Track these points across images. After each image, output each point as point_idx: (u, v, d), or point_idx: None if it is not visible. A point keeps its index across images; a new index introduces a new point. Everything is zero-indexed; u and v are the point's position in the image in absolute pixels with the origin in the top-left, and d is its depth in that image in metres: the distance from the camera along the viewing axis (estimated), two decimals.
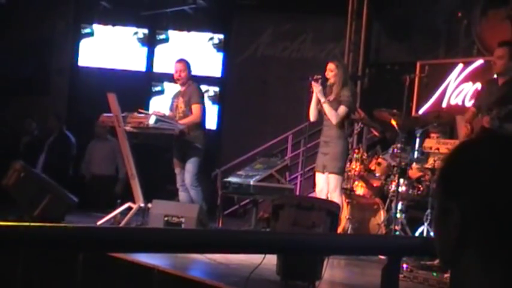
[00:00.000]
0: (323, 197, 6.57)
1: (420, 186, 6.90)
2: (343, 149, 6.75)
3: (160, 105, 10.24)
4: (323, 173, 6.69)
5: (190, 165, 7.41)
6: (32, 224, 1.67)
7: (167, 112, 7.73)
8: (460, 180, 1.09)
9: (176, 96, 7.64)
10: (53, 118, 9.91)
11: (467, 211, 1.07)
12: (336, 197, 6.55)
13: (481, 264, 1.07)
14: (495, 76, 6.11)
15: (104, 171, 9.77)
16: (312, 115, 6.79)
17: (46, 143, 9.83)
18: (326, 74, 6.70)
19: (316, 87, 6.66)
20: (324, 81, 6.72)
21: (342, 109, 6.65)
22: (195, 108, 7.43)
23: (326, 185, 6.69)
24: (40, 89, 11.16)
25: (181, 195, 7.53)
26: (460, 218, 1.08)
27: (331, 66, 6.71)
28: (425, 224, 6.36)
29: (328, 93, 6.74)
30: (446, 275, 5.04)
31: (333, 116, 6.63)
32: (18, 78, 10.84)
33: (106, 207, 7.68)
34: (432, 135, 6.98)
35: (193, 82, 7.63)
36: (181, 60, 7.61)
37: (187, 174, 7.41)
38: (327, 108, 6.62)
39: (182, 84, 7.54)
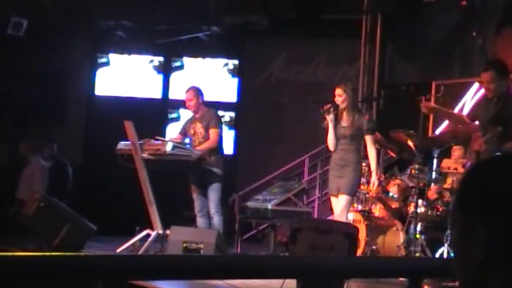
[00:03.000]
0: (342, 219, 6.52)
1: (439, 206, 6.86)
2: (359, 173, 6.73)
3: (176, 132, 10.30)
4: (337, 196, 6.63)
5: (213, 193, 7.41)
6: (52, 253, 1.68)
7: (176, 135, 7.79)
8: (483, 199, 1.07)
9: (191, 121, 7.68)
10: (25, 146, 9.40)
11: (493, 231, 1.05)
12: (344, 217, 6.50)
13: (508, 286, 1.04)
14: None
15: (22, 195, 8.92)
16: (331, 145, 6.73)
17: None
18: (335, 99, 6.66)
19: (330, 118, 6.65)
20: (336, 108, 6.69)
21: (370, 139, 6.65)
22: (213, 133, 7.47)
23: None
24: (57, 118, 11.25)
25: (199, 221, 7.53)
26: (487, 237, 1.05)
27: (338, 91, 6.67)
28: (446, 244, 6.30)
29: (340, 117, 6.71)
30: None
31: (373, 157, 6.67)
32: (35, 108, 10.95)
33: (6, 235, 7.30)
34: (454, 149, 6.95)
35: (209, 108, 7.71)
36: (189, 89, 7.69)
37: (210, 202, 7.42)
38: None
39: (195, 111, 7.61)
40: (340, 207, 6.53)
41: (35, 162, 9.33)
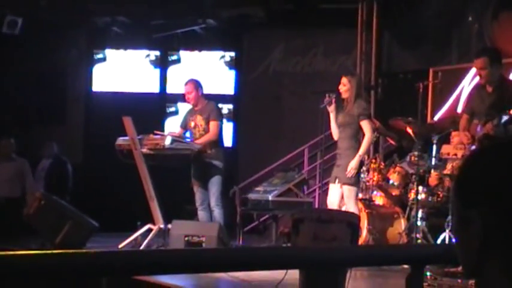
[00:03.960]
0: (334, 207, 6.55)
1: (440, 193, 6.87)
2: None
3: (175, 125, 10.29)
4: (335, 183, 6.68)
5: (213, 186, 7.42)
6: (55, 251, 1.68)
7: (177, 129, 7.79)
8: (477, 188, 1.09)
9: (191, 114, 7.67)
10: (6, 144, 9.28)
11: (487, 219, 1.06)
12: (352, 207, 6.53)
13: (505, 273, 1.05)
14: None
15: (9, 193, 8.89)
16: (335, 134, 6.79)
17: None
18: (339, 88, 6.69)
19: (331, 110, 6.69)
20: (338, 96, 6.72)
21: (365, 123, 6.64)
22: (213, 125, 7.47)
23: (338, 196, 6.66)
24: (56, 116, 11.25)
25: (201, 214, 7.54)
26: (481, 226, 1.07)
27: (344, 80, 6.71)
28: (447, 230, 6.31)
29: (344, 106, 6.76)
30: (471, 282, 5.00)
31: (365, 143, 6.66)
32: (33, 107, 10.94)
33: (8, 234, 7.38)
34: (453, 135, 6.96)
35: (209, 100, 7.70)
36: (188, 82, 7.68)
37: (211, 195, 7.43)
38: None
39: (195, 104, 7.60)
40: (346, 199, 6.60)
41: (18, 160, 9.27)
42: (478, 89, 6.25)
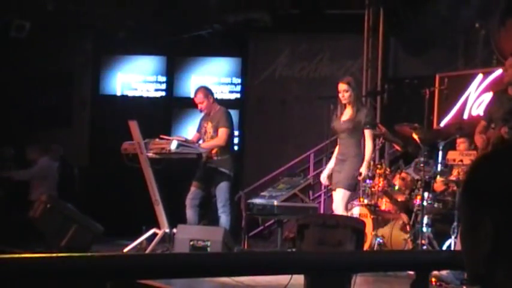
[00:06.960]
0: (340, 213, 6.52)
1: (445, 199, 6.85)
2: (357, 167, 6.65)
3: (182, 130, 10.30)
4: (336, 189, 6.65)
5: (220, 192, 7.40)
6: (60, 254, 1.68)
7: (194, 133, 7.77)
8: (487, 190, 1.08)
9: (204, 120, 7.66)
10: (33, 149, 9.30)
11: (498, 222, 1.05)
12: (341, 211, 6.50)
13: None
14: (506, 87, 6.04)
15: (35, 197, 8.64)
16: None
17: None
18: (341, 95, 6.64)
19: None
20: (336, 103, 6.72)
21: (369, 132, 6.63)
22: (222, 131, 7.43)
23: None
24: (63, 120, 11.28)
25: (188, 213, 7.47)
26: (493, 229, 1.06)
27: (343, 86, 6.63)
28: (453, 237, 6.29)
29: (342, 111, 6.71)
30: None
31: (369, 150, 6.65)
32: (40, 110, 10.97)
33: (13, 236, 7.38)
34: (459, 141, 6.94)
35: (220, 106, 7.66)
36: (198, 91, 7.64)
37: (218, 201, 7.41)
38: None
39: (208, 112, 7.58)
40: (337, 201, 6.54)
41: (43, 163, 9.28)
42: (498, 95, 6.15)
